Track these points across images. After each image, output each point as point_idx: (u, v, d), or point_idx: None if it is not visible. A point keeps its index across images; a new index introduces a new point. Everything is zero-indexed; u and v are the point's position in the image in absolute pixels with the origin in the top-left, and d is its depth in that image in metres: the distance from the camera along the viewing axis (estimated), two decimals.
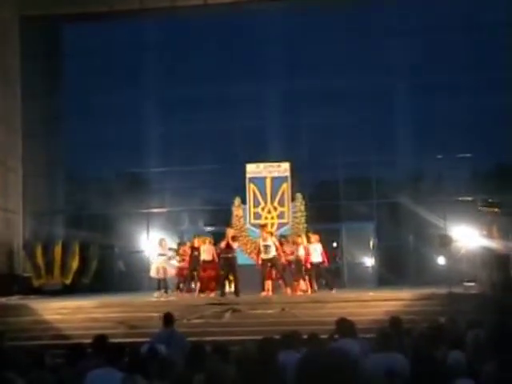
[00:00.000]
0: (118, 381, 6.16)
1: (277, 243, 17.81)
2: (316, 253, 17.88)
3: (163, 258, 18.25)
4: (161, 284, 18.19)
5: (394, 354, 6.65)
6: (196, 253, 18.07)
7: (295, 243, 18.10)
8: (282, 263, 17.87)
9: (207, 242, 18.07)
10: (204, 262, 17.87)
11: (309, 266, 17.80)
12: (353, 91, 21.76)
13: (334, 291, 17.57)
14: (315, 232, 18.64)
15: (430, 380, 6.12)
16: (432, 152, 21.79)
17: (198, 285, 18.13)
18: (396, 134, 22.77)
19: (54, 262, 21.35)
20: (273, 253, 17.52)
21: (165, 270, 18.20)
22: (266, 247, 17.51)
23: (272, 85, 23.02)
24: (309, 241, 18.10)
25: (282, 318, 14.72)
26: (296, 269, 17.85)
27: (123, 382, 6.06)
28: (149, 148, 23.56)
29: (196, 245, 18.26)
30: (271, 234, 18.27)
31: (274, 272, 17.72)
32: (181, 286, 19.05)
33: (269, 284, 17.61)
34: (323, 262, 18.00)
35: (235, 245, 17.57)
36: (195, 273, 18.33)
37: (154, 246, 20.50)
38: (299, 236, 18.38)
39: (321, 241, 18.14)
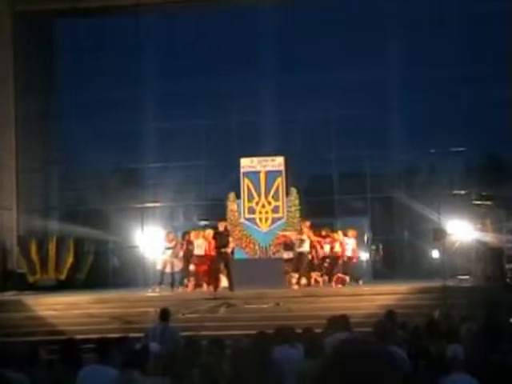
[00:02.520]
0: (110, 377, 6.17)
1: (312, 237, 17.87)
2: (348, 247, 18.07)
3: (170, 251, 18.11)
4: (165, 278, 18.08)
5: (391, 347, 6.66)
6: (190, 247, 18.00)
7: (332, 238, 18.20)
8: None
9: (201, 236, 17.98)
10: (197, 256, 17.77)
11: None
12: (347, 85, 21.74)
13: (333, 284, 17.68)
14: (349, 227, 18.84)
15: (426, 373, 6.16)
16: (426, 146, 21.82)
17: (192, 279, 18.08)
18: (390, 129, 22.76)
19: (48, 257, 21.31)
20: (305, 248, 17.59)
21: (172, 263, 18.11)
22: (302, 241, 17.60)
23: (266, 79, 22.99)
24: (345, 234, 18.27)
25: (276, 312, 14.75)
26: (332, 264, 18.02)
27: (120, 377, 6.07)
28: (143, 143, 23.51)
29: (191, 238, 18.20)
30: (309, 227, 18.27)
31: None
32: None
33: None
34: (353, 257, 18.17)
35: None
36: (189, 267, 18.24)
37: (149, 240, 20.57)
38: (336, 232, 18.39)
39: (357, 236, 18.36)
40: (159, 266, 18.21)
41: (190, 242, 18.07)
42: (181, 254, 18.19)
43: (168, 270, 18.03)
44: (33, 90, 22.86)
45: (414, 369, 6.63)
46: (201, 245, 17.71)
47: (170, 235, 18.41)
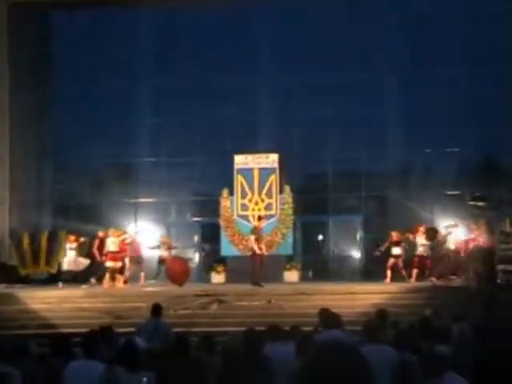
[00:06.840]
0: (97, 372, 6.14)
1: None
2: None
3: (74, 252, 19.05)
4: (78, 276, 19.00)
5: (382, 345, 6.66)
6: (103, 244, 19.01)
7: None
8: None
9: (114, 235, 18.93)
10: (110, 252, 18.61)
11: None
12: (342, 85, 21.72)
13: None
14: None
15: (416, 372, 6.15)
16: (420, 146, 21.80)
17: (107, 275, 18.61)
18: (385, 128, 22.72)
19: (40, 251, 21.24)
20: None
21: (76, 262, 19.09)
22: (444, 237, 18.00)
23: (263, 77, 22.95)
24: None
25: (268, 309, 14.75)
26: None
27: (106, 373, 6.05)
28: (138, 138, 23.45)
29: (102, 236, 19.24)
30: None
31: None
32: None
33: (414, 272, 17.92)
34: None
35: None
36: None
37: (142, 235, 20.57)
38: (480, 225, 18.17)
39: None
40: (65, 267, 19.16)
41: (102, 240, 19.10)
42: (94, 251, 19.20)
43: (73, 268, 19.06)
44: (28, 83, 22.76)
45: (404, 368, 6.62)
46: (115, 242, 18.66)
47: (71, 237, 19.36)
